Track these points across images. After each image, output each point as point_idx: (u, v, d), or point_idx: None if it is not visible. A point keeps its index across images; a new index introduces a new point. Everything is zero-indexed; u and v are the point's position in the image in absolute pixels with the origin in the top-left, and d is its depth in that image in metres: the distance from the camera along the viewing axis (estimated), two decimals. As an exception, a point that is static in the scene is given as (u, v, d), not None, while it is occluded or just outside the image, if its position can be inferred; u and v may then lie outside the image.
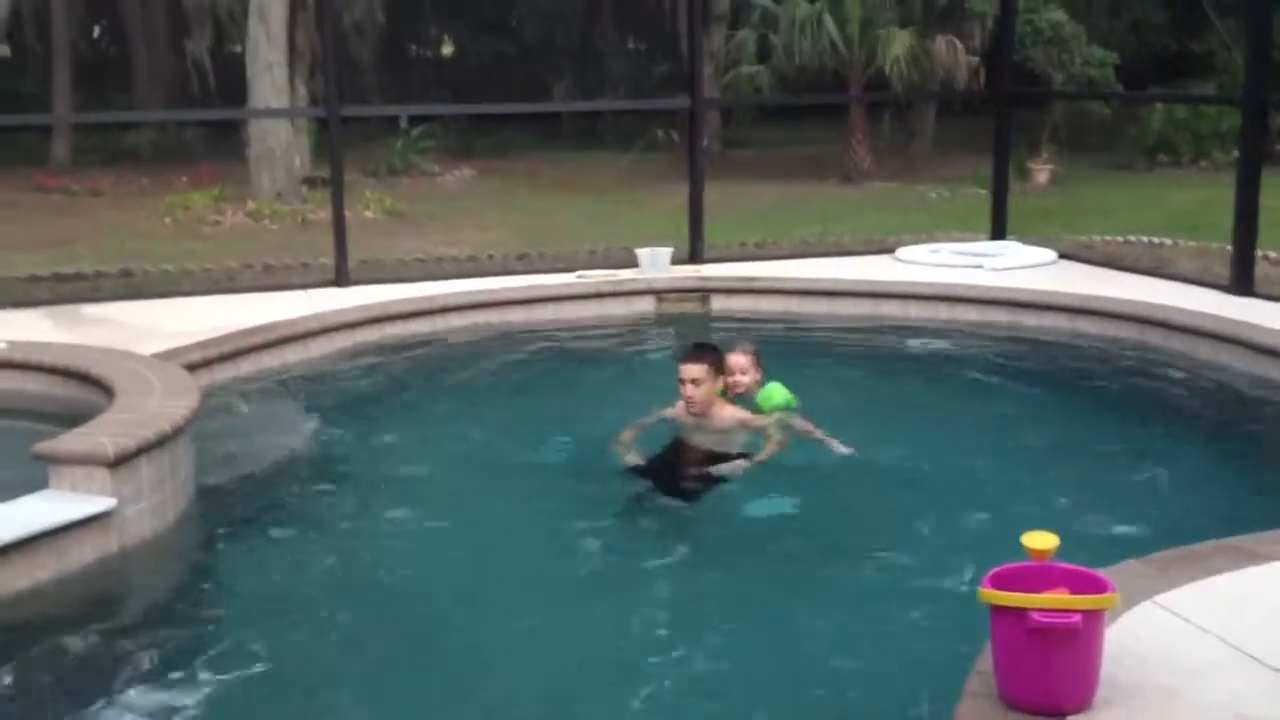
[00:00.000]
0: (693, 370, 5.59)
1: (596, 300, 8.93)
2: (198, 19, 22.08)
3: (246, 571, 4.80)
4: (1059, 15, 21.22)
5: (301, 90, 19.22)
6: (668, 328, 8.76)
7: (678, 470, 5.49)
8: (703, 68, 11.48)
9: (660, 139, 20.59)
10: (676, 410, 5.80)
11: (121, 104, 23.97)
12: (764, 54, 20.68)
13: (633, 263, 9.46)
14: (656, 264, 9.31)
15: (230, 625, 4.32)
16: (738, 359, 5.90)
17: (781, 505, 5.29)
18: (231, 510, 5.32)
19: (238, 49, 21.32)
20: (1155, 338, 7.60)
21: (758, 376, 5.95)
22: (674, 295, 9.04)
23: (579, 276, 9.30)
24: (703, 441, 5.65)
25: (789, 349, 7.92)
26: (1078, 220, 13.68)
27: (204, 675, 3.92)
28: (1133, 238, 12.15)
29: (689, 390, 5.59)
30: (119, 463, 4.78)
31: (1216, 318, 7.49)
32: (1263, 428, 6.32)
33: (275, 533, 5.12)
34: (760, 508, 5.27)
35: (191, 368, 6.48)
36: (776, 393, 5.91)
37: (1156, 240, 12.00)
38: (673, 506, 5.25)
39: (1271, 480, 5.66)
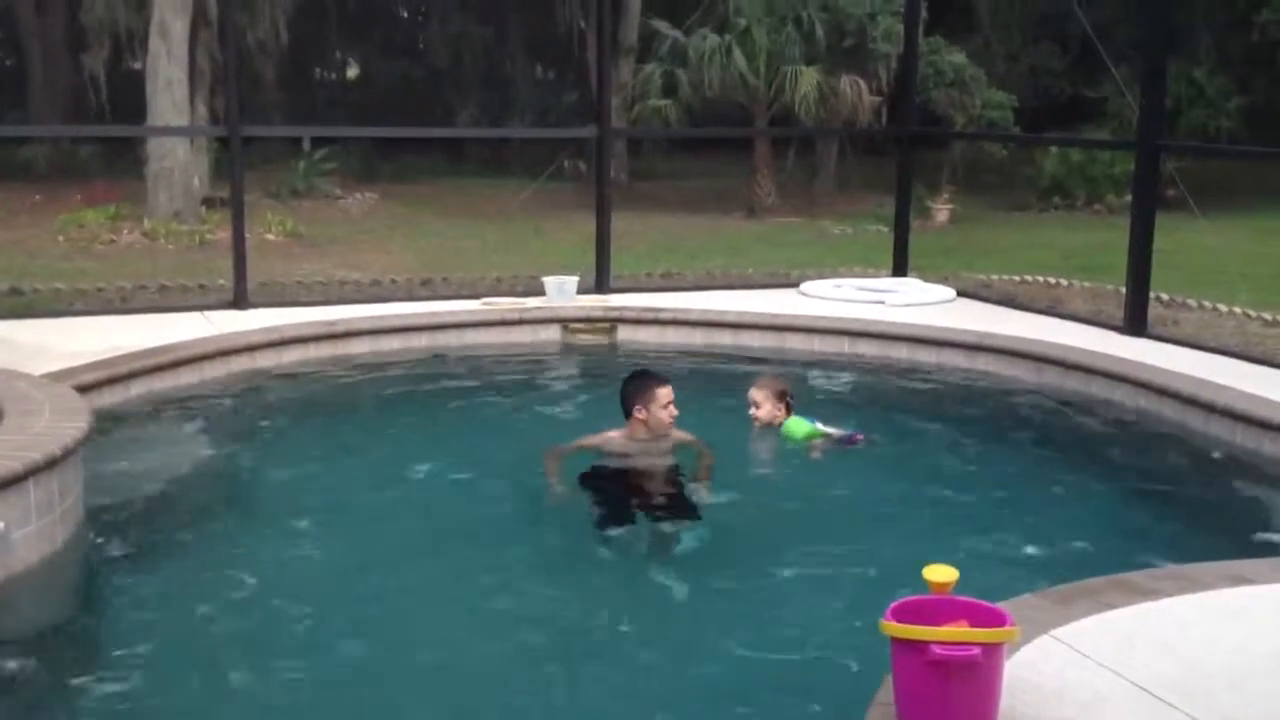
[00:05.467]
0: (672, 391, 5.87)
1: (502, 328, 8.89)
2: (96, 34, 21.58)
3: (135, 599, 4.66)
4: (960, 58, 21.70)
5: (202, 109, 18.91)
6: (574, 357, 8.75)
7: (652, 494, 5.62)
8: (610, 97, 11.52)
9: (567, 169, 20.60)
10: (621, 434, 5.87)
11: (16, 118, 23.35)
12: (671, 88, 20.82)
13: (539, 291, 9.43)
14: (563, 293, 9.30)
15: (116, 654, 4.19)
16: (751, 393, 6.29)
17: (686, 539, 5.28)
18: (121, 536, 5.17)
19: (137, 65, 20.89)
20: (1051, 375, 7.76)
21: (775, 411, 6.25)
22: (580, 324, 9.03)
23: (485, 304, 9.24)
24: (654, 464, 5.79)
25: (694, 380, 7.94)
26: (975, 259, 13.94)
27: (87, 704, 3.81)
28: (1029, 277, 12.41)
29: (674, 409, 5.81)
30: (6, 486, 4.62)
31: (1111, 356, 7.66)
32: (1155, 465, 6.46)
33: (166, 560, 4.99)
34: (676, 539, 5.28)
35: (83, 389, 6.30)
36: (797, 427, 6.23)
37: (1052, 280, 12.27)
38: (668, 530, 5.30)
39: (1163, 517, 5.80)
